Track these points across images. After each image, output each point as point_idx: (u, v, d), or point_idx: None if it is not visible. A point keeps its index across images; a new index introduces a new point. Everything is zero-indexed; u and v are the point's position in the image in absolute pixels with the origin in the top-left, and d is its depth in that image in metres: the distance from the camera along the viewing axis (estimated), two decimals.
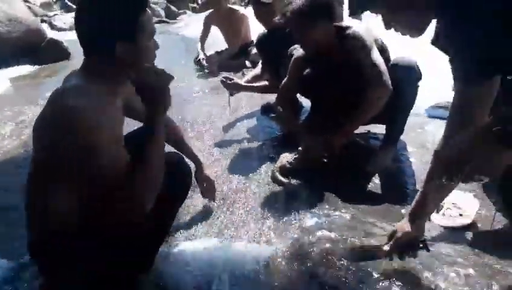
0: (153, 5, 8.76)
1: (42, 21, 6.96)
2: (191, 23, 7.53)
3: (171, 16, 9.06)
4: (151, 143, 1.22)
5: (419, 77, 2.02)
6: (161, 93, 1.23)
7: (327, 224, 1.70)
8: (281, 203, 1.88)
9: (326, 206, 1.83)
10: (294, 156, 2.10)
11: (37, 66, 5.06)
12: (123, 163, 1.18)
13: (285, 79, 2.25)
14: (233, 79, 2.79)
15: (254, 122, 2.85)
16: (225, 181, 2.08)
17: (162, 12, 8.92)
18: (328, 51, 2.01)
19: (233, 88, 2.83)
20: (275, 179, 2.07)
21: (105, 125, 1.14)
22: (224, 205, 1.88)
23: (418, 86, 2.03)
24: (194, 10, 10.27)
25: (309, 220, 1.74)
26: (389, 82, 1.90)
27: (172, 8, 9.64)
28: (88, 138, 1.09)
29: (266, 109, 2.91)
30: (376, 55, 1.94)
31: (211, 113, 3.03)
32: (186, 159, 1.62)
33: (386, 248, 1.40)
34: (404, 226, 1.38)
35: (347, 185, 1.99)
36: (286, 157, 2.12)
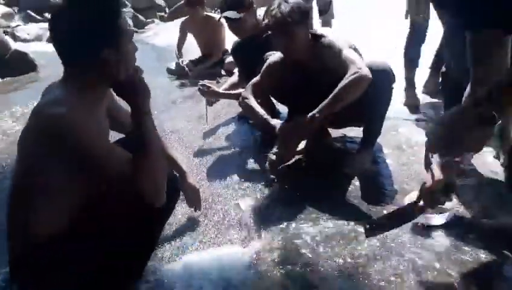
0: None
1: (5, 32, 6.72)
2: (160, 32, 7.49)
3: (139, 25, 8.97)
4: (144, 136, 1.23)
5: (393, 79, 2.08)
6: (134, 84, 1.24)
7: (312, 228, 1.71)
8: (266, 209, 1.89)
9: (310, 210, 1.85)
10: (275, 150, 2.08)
11: (0, 79, 4.88)
12: (116, 167, 1.16)
13: (256, 77, 2.24)
14: (210, 86, 2.78)
15: (233, 129, 2.85)
16: (209, 189, 2.07)
17: (130, 22, 8.80)
18: (306, 58, 2.05)
19: (211, 95, 2.82)
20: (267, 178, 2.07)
21: (94, 133, 1.12)
22: (210, 213, 1.87)
23: (393, 88, 2.09)
24: (162, 19, 10.20)
25: (294, 225, 1.75)
26: (368, 70, 1.87)
27: (140, 17, 9.54)
28: (78, 146, 1.07)
29: (244, 116, 2.93)
30: (349, 53, 1.97)
31: (189, 121, 3.01)
32: None
33: (421, 203, 1.43)
34: (429, 177, 1.38)
35: (329, 189, 2.02)
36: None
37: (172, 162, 1.69)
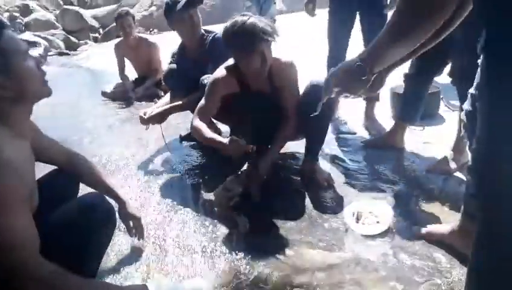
0: (50, 37, 8.30)
1: None
2: (93, 55, 7.27)
3: (72, 48, 8.63)
4: None
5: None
6: None
7: (261, 251, 1.72)
8: (212, 233, 1.87)
9: (257, 231, 1.86)
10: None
11: None
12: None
13: (201, 102, 2.20)
14: (145, 113, 2.63)
15: (175, 151, 2.80)
16: (151, 216, 2.01)
17: (62, 44, 8.46)
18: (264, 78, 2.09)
19: (156, 119, 2.63)
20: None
21: (17, 175, 1.06)
22: (153, 241, 1.82)
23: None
24: (96, 40, 9.92)
25: (240, 247, 1.75)
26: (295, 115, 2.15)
27: (72, 39, 9.19)
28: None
29: (185, 138, 2.90)
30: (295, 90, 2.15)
31: (128, 146, 2.91)
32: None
33: None
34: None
35: (274, 208, 2.04)
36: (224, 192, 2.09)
37: (110, 191, 1.63)
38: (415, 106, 2.40)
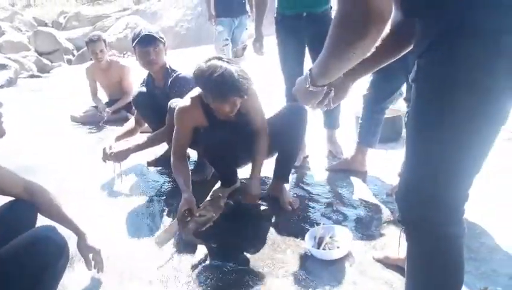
0: (22, 59, 8.16)
1: None
2: (66, 77, 7.17)
3: (44, 70, 8.49)
4: None
5: (306, 120, 2.25)
6: None
7: (223, 280, 1.73)
8: (176, 262, 1.87)
9: (219, 259, 1.87)
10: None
11: None
12: None
13: (174, 133, 2.21)
14: (113, 149, 2.59)
15: (138, 178, 2.79)
16: (113, 246, 1.98)
17: (33, 66, 8.31)
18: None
19: (122, 156, 2.58)
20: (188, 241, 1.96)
21: None
22: (113, 273, 1.79)
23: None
24: (70, 62, 9.82)
25: (202, 276, 1.75)
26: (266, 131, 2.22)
27: (45, 61, 9.05)
28: None
29: (152, 164, 2.90)
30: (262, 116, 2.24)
31: (95, 171, 2.87)
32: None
33: None
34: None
35: (238, 234, 2.05)
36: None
37: (68, 223, 1.62)
38: (372, 130, 2.48)
